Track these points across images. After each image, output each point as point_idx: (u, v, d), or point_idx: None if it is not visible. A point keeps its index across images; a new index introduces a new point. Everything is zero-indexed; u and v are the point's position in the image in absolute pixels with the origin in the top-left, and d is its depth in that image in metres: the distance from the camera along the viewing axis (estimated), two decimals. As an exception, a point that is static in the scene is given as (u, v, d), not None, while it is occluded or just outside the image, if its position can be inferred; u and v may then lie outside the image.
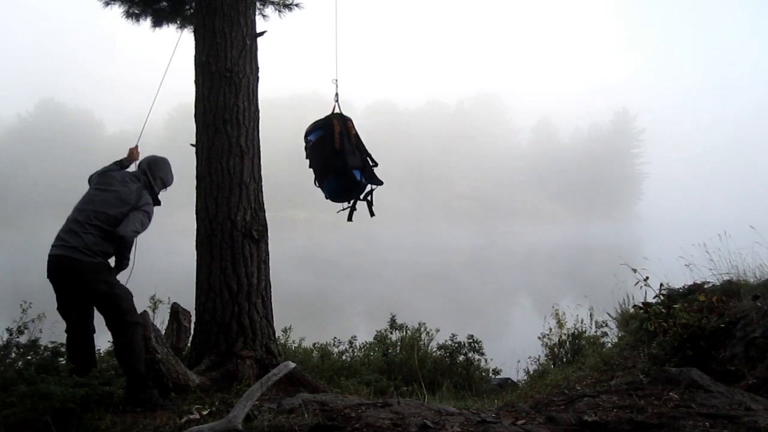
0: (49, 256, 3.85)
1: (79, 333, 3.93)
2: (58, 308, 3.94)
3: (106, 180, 4.16)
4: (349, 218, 4.54)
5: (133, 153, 4.53)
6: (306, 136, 4.67)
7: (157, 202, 4.33)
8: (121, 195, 4.06)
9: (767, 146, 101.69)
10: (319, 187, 4.60)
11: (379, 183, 4.53)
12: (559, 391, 4.13)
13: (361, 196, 4.52)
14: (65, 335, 3.98)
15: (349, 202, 4.54)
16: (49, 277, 3.88)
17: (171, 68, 5.15)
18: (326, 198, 4.54)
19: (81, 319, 3.92)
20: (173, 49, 5.53)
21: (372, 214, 4.52)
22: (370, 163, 4.53)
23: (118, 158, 4.48)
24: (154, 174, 4.34)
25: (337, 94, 4.72)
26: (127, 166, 4.46)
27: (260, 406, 3.48)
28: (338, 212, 4.61)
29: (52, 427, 3.07)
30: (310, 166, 4.60)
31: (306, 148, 4.67)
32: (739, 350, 3.86)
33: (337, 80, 4.77)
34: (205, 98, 5.01)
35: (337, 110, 4.64)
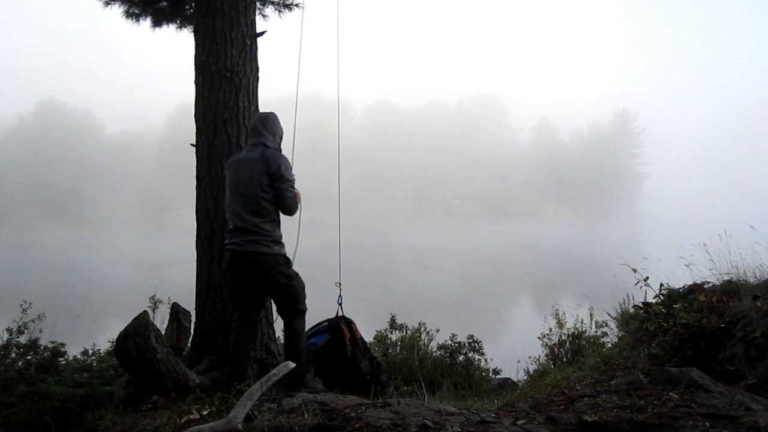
0: (229, 250, 4.01)
1: (247, 327, 4.15)
2: (231, 298, 4.16)
3: (238, 163, 4.20)
4: None
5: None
6: (307, 338, 4.69)
7: None
8: (253, 167, 4.03)
9: (767, 146, 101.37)
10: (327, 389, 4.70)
11: (385, 386, 4.71)
12: (559, 391, 4.12)
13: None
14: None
15: None
16: (227, 269, 4.07)
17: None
18: None
19: (255, 316, 4.18)
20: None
21: None
22: (376, 364, 4.76)
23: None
24: (273, 131, 4.25)
25: (340, 296, 4.84)
26: None
27: (260, 406, 3.48)
28: None
29: (52, 427, 3.07)
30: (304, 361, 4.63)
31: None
32: (739, 350, 3.85)
33: (340, 283, 4.84)
34: (204, 98, 5.01)
35: (340, 313, 4.83)
